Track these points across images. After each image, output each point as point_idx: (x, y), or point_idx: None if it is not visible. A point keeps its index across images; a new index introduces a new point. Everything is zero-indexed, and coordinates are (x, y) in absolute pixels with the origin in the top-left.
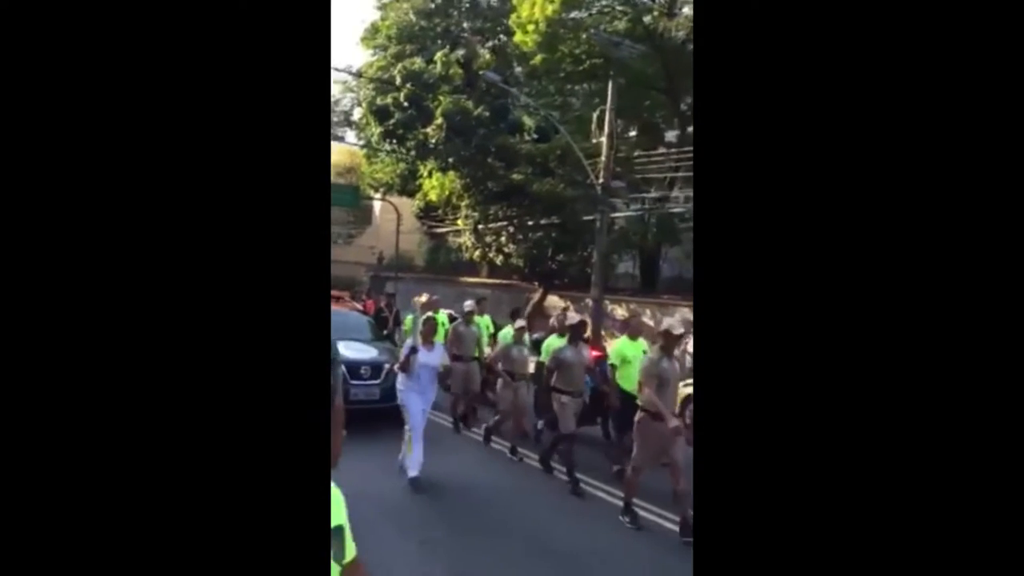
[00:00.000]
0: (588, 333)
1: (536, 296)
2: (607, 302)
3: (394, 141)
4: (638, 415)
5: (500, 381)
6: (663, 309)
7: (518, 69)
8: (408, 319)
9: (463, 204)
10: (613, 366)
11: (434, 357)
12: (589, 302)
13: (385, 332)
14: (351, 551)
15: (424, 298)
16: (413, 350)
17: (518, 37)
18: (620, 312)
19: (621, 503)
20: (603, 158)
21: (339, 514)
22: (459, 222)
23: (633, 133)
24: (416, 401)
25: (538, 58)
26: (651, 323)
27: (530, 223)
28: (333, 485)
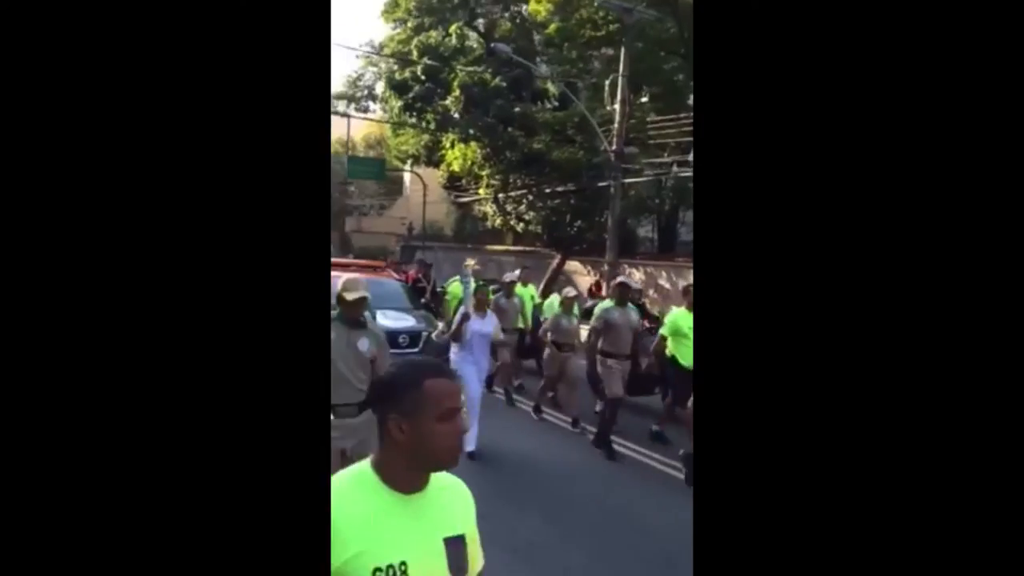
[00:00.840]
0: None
1: (555, 262)
2: (625, 266)
3: (414, 114)
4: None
5: (547, 352)
6: (678, 272)
7: (537, 38)
8: (455, 286)
9: (484, 173)
10: (664, 337)
11: (488, 325)
12: (606, 267)
13: (423, 300)
14: (476, 565)
15: (473, 262)
16: (465, 317)
17: (532, 6)
18: (638, 275)
19: (657, 464)
20: (616, 125)
21: (467, 519)
22: (480, 191)
23: (645, 99)
24: (472, 373)
25: (552, 26)
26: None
27: (548, 191)
28: (464, 486)
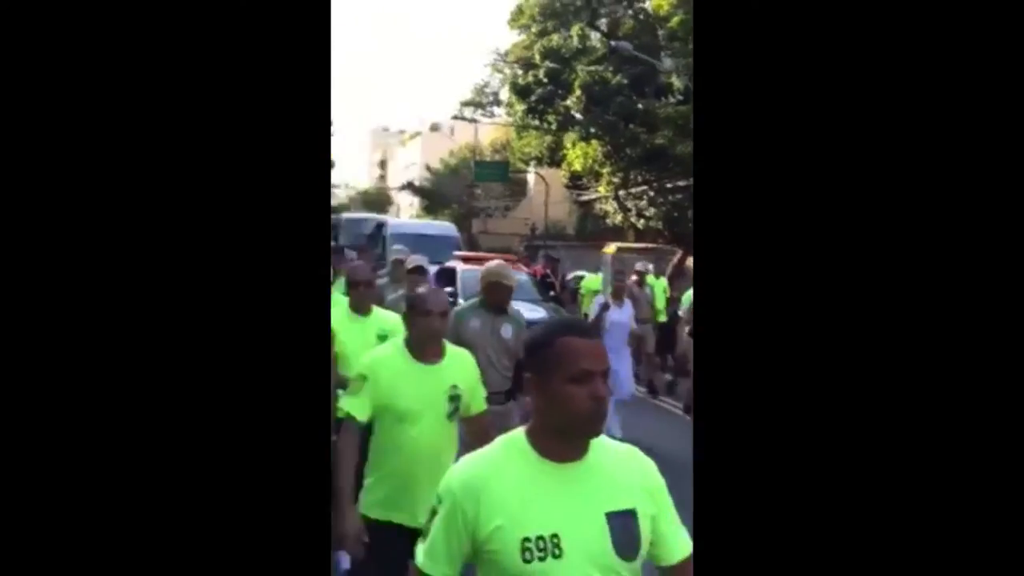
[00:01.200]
0: None
1: (676, 257)
2: None
3: (537, 116)
4: None
5: (684, 340)
6: None
7: (661, 32)
8: (596, 278)
9: (604, 171)
10: None
11: (625, 314)
12: None
13: (552, 294)
14: (669, 543)
15: (614, 248)
16: (604, 306)
17: (654, 2)
18: None
19: None
20: None
21: (641, 493)
22: (600, 189)
23: None
24: (613, 362)
25: (675, 20)
26: None
27: (669, 186)
28: (641, 456)
